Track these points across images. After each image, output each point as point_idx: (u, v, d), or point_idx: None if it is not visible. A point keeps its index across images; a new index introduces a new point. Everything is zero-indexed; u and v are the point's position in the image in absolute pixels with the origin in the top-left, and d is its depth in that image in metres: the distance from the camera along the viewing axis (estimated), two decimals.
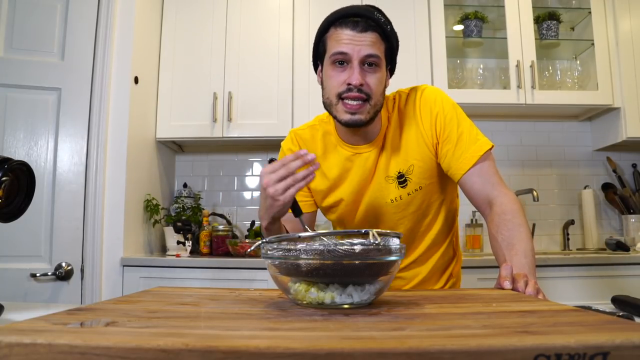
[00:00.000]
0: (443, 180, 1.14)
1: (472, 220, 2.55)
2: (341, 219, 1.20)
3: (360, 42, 0.99)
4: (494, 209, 1.00)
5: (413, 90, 1.14)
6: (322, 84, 1.08)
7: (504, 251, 0.93)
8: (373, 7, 1.07)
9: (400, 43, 1.09)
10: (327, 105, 1.06)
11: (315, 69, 1.12)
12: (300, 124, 1.25)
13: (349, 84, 0.99)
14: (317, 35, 1.08)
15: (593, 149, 2.69)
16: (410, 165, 1.09)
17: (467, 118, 1.09)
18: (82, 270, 1.95)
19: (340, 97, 1.01)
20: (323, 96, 1.07)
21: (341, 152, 1.13)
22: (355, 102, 1.00)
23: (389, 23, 1.05)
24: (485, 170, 1.04)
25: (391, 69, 1.10)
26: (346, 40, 0.99)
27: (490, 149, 1.06)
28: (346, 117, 1.02)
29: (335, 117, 1.06)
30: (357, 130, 1.07)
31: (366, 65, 1.01)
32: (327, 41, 1.04)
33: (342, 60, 1.01)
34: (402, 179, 1.10)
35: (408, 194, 1.11)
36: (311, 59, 1.13)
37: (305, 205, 1.18)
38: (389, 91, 1.13)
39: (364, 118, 1.02)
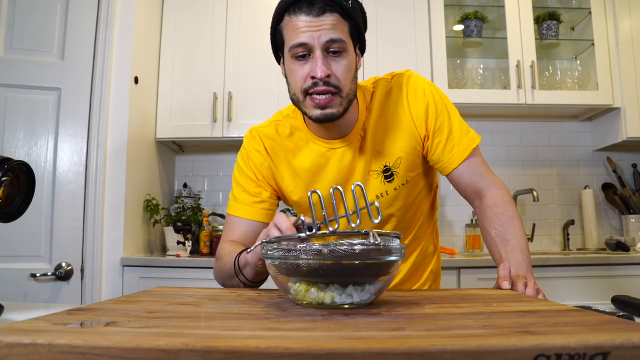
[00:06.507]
0: (425, 170, 1.09)
1: (472, 220, 2.54)
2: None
3: (319, 27, 0.88)
4: (484, 201, 0.99)
5: (396, 76, 1.05)
6: (286, 78, 0.97)
7: (499, 247, 0.92)
8: None
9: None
10: (295, 102, 0.97)
11: (278, 61, 1.01)
12: None
13: (313, 77, 0.89)
14: (272, 25, 0.96)
15: (593, 149, 2.69)
16: (398, 158, 1.02)
17: (456, 109, 1.06)
18: (82, 270, 1.95)
19: (306, 92, 0.91)
20: (289, 92, 0.96)
21: (314, 147, 1.04)
22: (323, 96, 0.90)
23: None
24: (474, 161, 1.02)
25: (361, 47, 0.99)
26: (303, 27, 0.88)
27: (479, 142, 1.04)
28: (316, 112, 0.92)
29: (305, 114, 0.96)
30: (330, 124, 0.97)
31: (330, 52, 0.90)
32: (283, 31, 0.93)
33: (303, 53, 0.90)
34: (388, 173, 1.03)
35: (395, 188, 1.04)
36: (271, 51, 1.01)
37: (258, 212, 1.08)
38: (365, 72, 1.05)
39: (336, 112, 0.92)
